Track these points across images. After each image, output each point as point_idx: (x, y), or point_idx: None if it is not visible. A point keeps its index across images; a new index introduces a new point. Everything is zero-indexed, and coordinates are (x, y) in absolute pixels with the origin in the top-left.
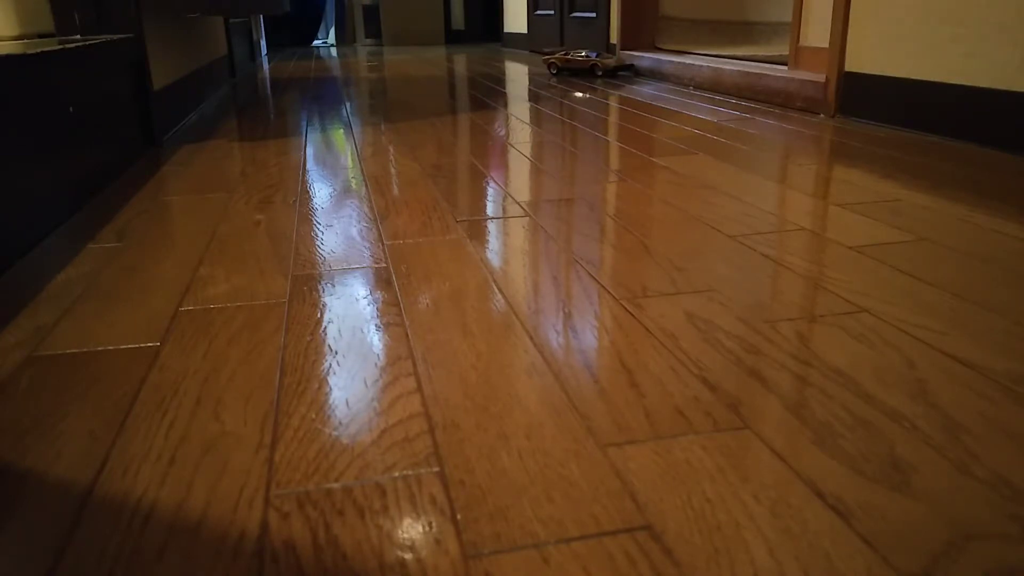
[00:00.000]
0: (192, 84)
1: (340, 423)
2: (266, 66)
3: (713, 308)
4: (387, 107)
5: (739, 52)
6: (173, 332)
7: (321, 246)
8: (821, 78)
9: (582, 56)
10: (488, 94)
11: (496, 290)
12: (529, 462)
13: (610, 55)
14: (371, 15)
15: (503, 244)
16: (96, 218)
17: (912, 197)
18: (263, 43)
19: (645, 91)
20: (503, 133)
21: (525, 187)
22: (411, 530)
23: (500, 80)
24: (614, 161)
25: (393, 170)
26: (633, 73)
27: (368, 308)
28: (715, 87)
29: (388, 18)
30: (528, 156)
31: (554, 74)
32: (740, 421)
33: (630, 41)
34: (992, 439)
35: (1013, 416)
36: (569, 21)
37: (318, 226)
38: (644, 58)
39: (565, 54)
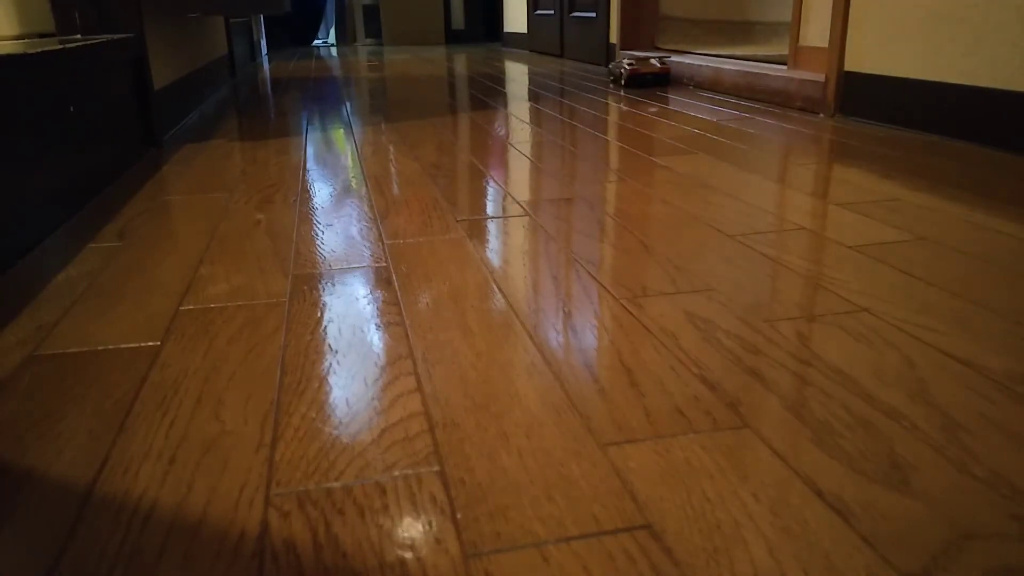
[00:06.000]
0: (193, 84)
1: (340, 422)
2: (266, 66)
3: (713, 307)
4: (387, 106)
5: (739, 52)
6: (173, 331)
7: (321, 245)
8: (820, 78)
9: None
10: (488, 94)
11: (496, 289)
12: (529, 461)
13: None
14: (371, 15)
15: (503, 243)
16: (97, 218)
17: (911, 196)
18: (263, 43)
19: (645, 90)
20: (503, 132)
21: (525, 186)
22: (411, 529)
23: (500, 80)
24: (614, 161)
25: (393, 169)
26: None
27: (368, 307)
28: (715, 87)
29: (388, 18)
30: (528, 155)
31: (623, 85)
32: (740, 420)
33: (630, 41)
34: (991, 438)
35: (1012, 415)
36: (569, 21)
37: (318, 225)
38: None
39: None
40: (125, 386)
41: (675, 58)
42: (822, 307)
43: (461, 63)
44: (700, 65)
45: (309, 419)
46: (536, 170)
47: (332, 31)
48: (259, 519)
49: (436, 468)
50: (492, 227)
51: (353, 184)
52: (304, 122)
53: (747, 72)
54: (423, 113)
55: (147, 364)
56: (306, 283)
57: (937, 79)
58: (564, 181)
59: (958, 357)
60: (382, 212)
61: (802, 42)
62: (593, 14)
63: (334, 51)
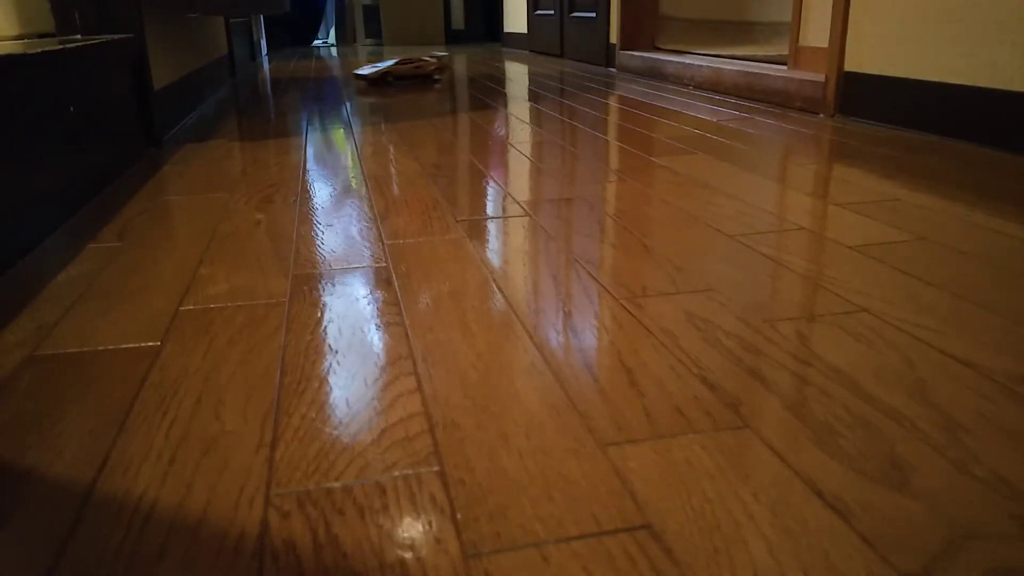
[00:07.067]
0: (193, 84)
1: (340, 422)
2: (266, 66)
3: (713, 308)
4: (387, 107)
5: (739, 52)
6: (173, 331)
7: (321, 245)
8: (820, 78)
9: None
10: (488, 94)
11: (496, 289)
12: (529, 461)
13: (432, 60)
14: (371, 15)
15: (503, 244)
16: (97, 218)
17: (911, 197)
18: (263, 43)
19: (645, 91)
20: (503, 133)
21: (525, 187)
22: (411, 529)
23: (500, 80)
24: (614, 161)
25: (393, 169)
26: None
27: (368, 307)
28: (715, 87)
29: (388, 18)
30: (528, 156)
31: (390, 82)
32: (740, 420)
33: (630, 41)
34: (991, 439)
35: (1012, 416)
36: (569, 21)
37: (318, 225)
38: (644, 58)
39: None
40: (125, 386)
41: (675, 58)
42: (822, 307)
43: (461, 63)
44: (700, 65)
45: (309, 419)
46: (536, 170)
47: (332, 31)
48: (259, 519)
49: (436, 468)
50: (492, 227)
51: (353, 184)
52: (304, 122)
53: (747, 72)
54: (423, 113)
55: (147, 364)
56: (306, 283)
57: (937, 79)
58: (564, 181)
59: (958, 357)
60: (382, 212)
61: (802, 42)
62: (593, 14)
63: (334, 51)
